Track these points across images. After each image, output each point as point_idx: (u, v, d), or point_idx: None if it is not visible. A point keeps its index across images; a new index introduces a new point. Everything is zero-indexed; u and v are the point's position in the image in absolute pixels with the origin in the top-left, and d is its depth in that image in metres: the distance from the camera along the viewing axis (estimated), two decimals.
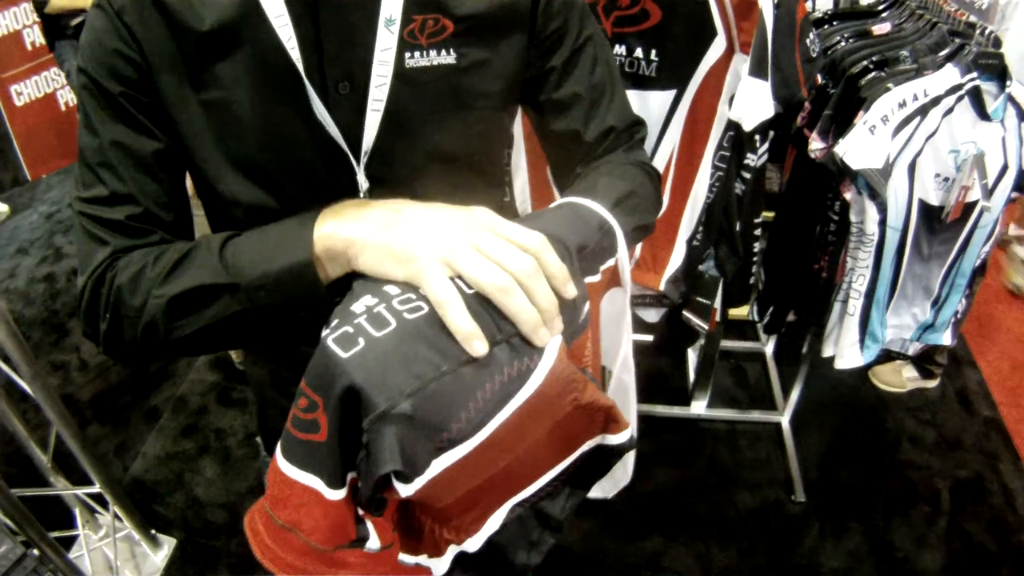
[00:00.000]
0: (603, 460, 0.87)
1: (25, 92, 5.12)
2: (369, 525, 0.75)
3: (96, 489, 2.42)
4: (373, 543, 0.75)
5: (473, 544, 0.82)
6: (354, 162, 0.95)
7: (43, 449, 2.45)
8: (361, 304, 0.70)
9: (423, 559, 0.83)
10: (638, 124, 1.11)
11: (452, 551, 0.82)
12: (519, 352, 0.72)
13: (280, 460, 0.72)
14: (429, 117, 0.96)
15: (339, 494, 0.72)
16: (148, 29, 0.88)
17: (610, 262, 0.88)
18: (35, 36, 4.98)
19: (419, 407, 0.66)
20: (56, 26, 4.21)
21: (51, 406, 2.17)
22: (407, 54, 0.92)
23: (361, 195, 0.97)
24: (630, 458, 1.07)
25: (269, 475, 0.73)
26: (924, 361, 3.10)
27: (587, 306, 0.84)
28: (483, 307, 0.71)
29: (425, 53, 0.93)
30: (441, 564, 0.83)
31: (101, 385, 3.38)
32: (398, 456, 0.65)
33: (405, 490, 0.69)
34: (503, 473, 0.79)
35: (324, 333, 0.68)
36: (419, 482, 0.69)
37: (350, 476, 0.72)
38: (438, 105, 0.96)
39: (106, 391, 3.36)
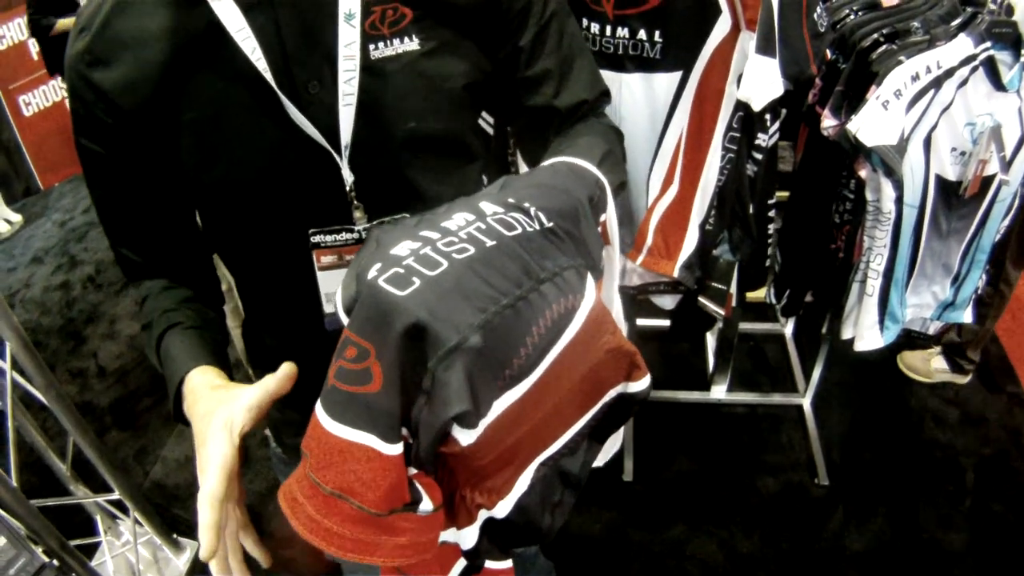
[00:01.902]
0: (624, 409, 0.87)
1: (33, 102, 5.17)
2: (418, 485, 0.73)
3: (116, 496, 2.43)
4: (426, 505, 0.73)
5: (504, 508, 0.80)
6: (337, 157, 0.96)
7: (62, 458, 2.46)
8: (403, 247, 0.68)
9: (451, 534, 0.81)
10: (605, 94, 1.13)
11: (481, 518, 0.80)
12: (563, 290, 0.72)
13: (325, 420, 0.68)
14: (401, 104, 0.97)
15: (396, 449, 0.68)
16: (112, 76, 0.94)
17: (602, 218, 0.89)
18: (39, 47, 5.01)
19: (487, 340, 0.65)
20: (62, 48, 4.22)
21: (67, 415, 2.18)
22: (371, 46, 0.95)
23: (347, 188, 0.99)
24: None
25: (309, 440, 0.70)
26: (957, 355, 3.06)
27: (604, 253, 0.87)
28: (523, 247, 0.71)
29: (389, 42, 0.95)
30: (470, 535, 0.80)
31: (120, 391, 3.40)
32: (467, 395, 0.64)
33: (467, 437, 0.68)
34: (536, 426, 0.78)
35: (370, 276, 0.66)
36: (481, 426, 0.68)
37: (403, 431, 0.70)
38: (408, 92, 0.97)
39: (124, 397, 3.38)
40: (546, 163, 0.90)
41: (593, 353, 0.78)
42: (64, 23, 4.41)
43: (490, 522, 0.81)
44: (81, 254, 4.49)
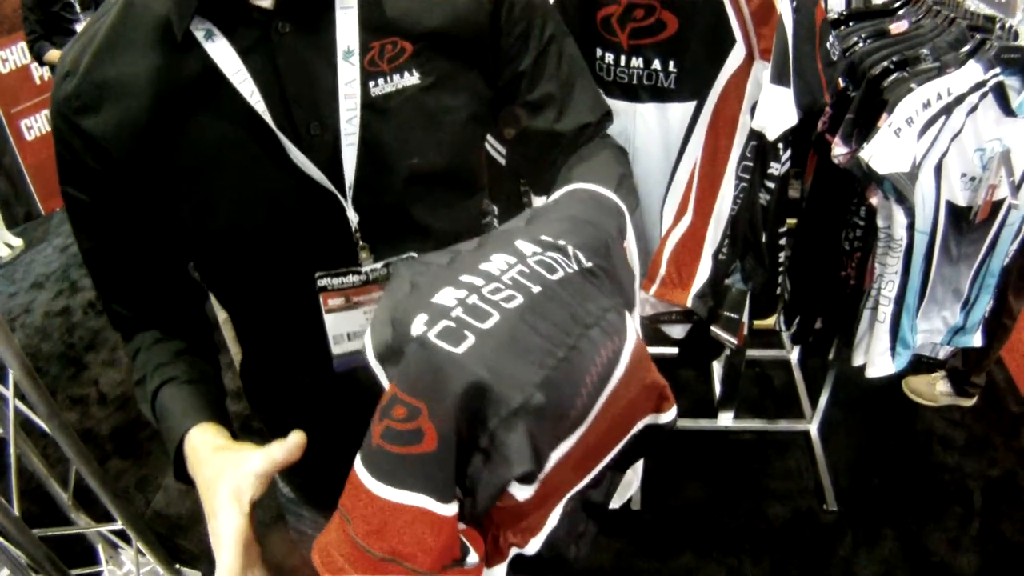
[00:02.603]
0: (652, 440, 0.85)
1: (35, 126, 5.16)
2: (466, 540, 0.70)
3: (118, 526, 2.40)
4: (472, 558, 0.71)
5: (535, 544, 0.78)
6: (341, 198, 0.94)
7: (63, 486, 2.43)
8: (448, 296, 0.66)
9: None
10: (608, 115, 1.11)
11: (511, 554, 0.78)
12: (608, 333, 0.70)
13: (371, 483, 0.65)
14: (404, 140, 0.96)
15: (452, 509, 0.66)
16: (102, 122, 0.90)
17: (623, 243, 0.87)
18: (43, 70, 5.00)
19: (548, 395, 0.63)
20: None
21: (69, 444, 2.15)
22: (371, 83, 0.92)
23: (353, 229, 0.97)
24: (638, 465, 1.05)
25: (352, 504, 0.66)
26: (962, 381, 3.06)
27: (636, 284, 0.87)
28: (567, 291, 0.69)
29: (389, 78, 0.93)
30: (499, 572, 0.78)
31: (121, 418, 3.37)
32: (529, 454, 0.62)
33: (524, 492, 0.67)
34: (575, 463, 0.76)
35: (418, 331, 0.63)
36: (539, 480, 0.66)
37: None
38: (411, 127, 0.95)
39: (126, 424, 3.35)
40: (566, 190, 0.89)
41: (632, 389, 0.76)
42: (54, 55, 4.39)
43: (518, 557, 0.79)
44: (82, 280, 4.47)
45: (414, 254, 1.00)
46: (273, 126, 0.89)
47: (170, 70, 0.88)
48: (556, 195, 0.90)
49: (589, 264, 0.74)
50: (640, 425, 0.83)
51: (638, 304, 0.96)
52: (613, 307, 0.73)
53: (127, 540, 2.52)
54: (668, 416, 0.83)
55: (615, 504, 0.97)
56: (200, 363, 1.10)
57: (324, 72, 0.90)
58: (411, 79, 0.94)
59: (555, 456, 0.68)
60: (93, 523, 2.52)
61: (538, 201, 1.68)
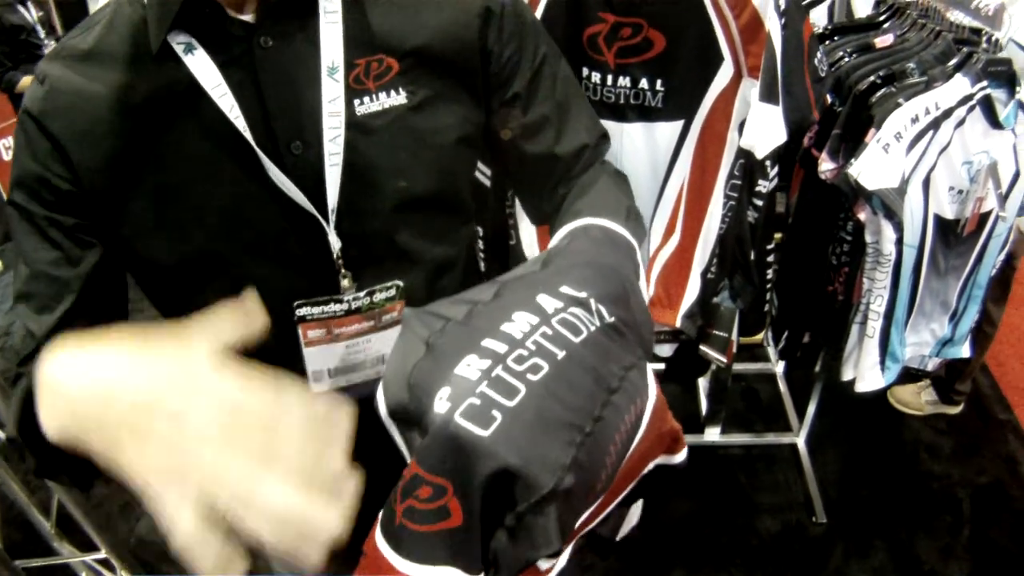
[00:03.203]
0: (661, 479, 0.85)
1: (12, 147, 5.10)
2: None
3: (102, 555, 2.37)
4: None
5: None
6: (323, 222, 0.90)
7: (45, 515, 2.40)
8: (471, 368, 0.64)
9: None
10: (604, 136, 1.09)
11: None
12: (631, 396, 0.70)
13: (397, 561, 0.63)
14: (390, 163, 0.92)
15: None
16: (77, 134, 0.85)
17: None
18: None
19: (577, 477, 0.62)
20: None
21: None
22: (356, 101, 0.89)
23: (335, 255, 0.93)
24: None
25: None
26: (946, 388, 3.06)
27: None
28: (591, 353, 0.68)
29: (375, 97, 0.90)
30: None
31: None
32: (557, 535, 0.62)
33: (550, 563, 0.66)
34: (589, 514, 0.76)
35: (443, 409, 0.62)
36: (566, 553, 0.66)
37: None
38: (397, 149, 0.92)
39: None
40: (578, 225, 0.88)
41: (650, 440, 0.76)
42: (27, 80, 4.34)
43: None
44: None
45: (399, 282, 0.97)
46: (253, 143, 0.85)
47: (146, 82, 0.85)
48: (567, 230, 0.89)
49: (611, 319, 0.73)
50: (651, 465, 0.83)
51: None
52: (635, 364, 0.73)
53: (111, 569, 2.48)
54: (679, 457, 0.84)
55: (619, 536, 0.97)
56: None
57: (307, 89, 0.87)
58: (398, 98, 0.91)
59: (578, 522, 0.68)
60: (77, 552, 2.47)
61: (525, 224, 1.67)
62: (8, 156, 5.05)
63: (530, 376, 0.64)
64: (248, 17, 0.85)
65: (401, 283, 0.97)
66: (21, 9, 4.47)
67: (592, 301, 0.72)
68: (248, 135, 0.85)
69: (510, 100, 0.99)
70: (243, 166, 0.87)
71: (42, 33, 4.52)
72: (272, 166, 0.86)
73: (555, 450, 0.62)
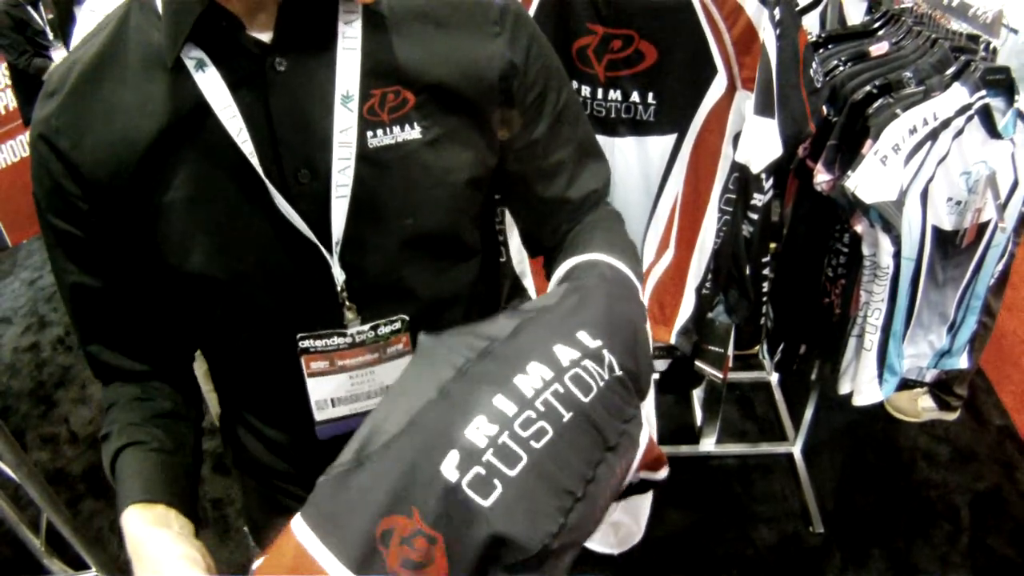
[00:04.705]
0: (641, 490, 0.88)
1: (1, 156, 5.03)
2: None
3: (93, 573, 2.37)
4: None
5: None
6: (327, 255, 0.88)
7: (35, 532, 2.39)
8: (481, 433, 0.67)
9: None
10: (609, 179, 1.09)
11: None
12: (626, 447, 0.75)
13: None
14: (400, 199, 0.89)
15: None
16: (85, 150, 0.84)
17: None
18: (8, 100, 4.90)
19: (564, 540, 0.67)
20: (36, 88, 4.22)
21: (39, 492, 2.10)
22: (369, 133, 0.86)
23: (338, 288, 0.90)
24: (645, 510, 1.05)
25: None
26: (943, 392, 3.04)
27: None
28: (596, 410, 0.71)
29: (388, 130, 0.86)
30: None
31: (93, 457, 3.26)
32: None
33: None
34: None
35: (451, 476, 0.65)
36: None
37: None
38: (408, 185, 0.89)
39: (98, 464, 3.21)
40: (589, 260, 0.90)
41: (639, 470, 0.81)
42: (46, 63, 4.42)
43: None
44: (50, 314, 4.35)
45: (405, 316, 0.95)
46: (259, 169, 0.83)
47: (156, 100, 0.83)
48: (577, 262, 0.92)
49: (619, 372, 0.75)
50: (634, 478, 0.84)
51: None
52: (633, 416, 0.76)
53: None
54: (660, 475, 0.86)
55: (619, 551, 1.00)
56: (176, 429, 1.01)
57: (319, 117, 0.84)
58: (412, 133, 0.87)
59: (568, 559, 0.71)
60: (67, 569, 2.47)
61: (516, 240, 1.63)
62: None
63: (533, 443, 0.67)
64: (264, 37, 0.82)
65: (407, 316, 0.96)
66: (30, 9, 4.52)
67: (605, 352, 0.74)
68: (254, 160, 0.83)
69: (530, 144, 0.97)
70: (247, 191, 0.85)
71: (51, 36, 4.55)
72: (277, 195, 0.84)
73: (546, 520, 0.65)
